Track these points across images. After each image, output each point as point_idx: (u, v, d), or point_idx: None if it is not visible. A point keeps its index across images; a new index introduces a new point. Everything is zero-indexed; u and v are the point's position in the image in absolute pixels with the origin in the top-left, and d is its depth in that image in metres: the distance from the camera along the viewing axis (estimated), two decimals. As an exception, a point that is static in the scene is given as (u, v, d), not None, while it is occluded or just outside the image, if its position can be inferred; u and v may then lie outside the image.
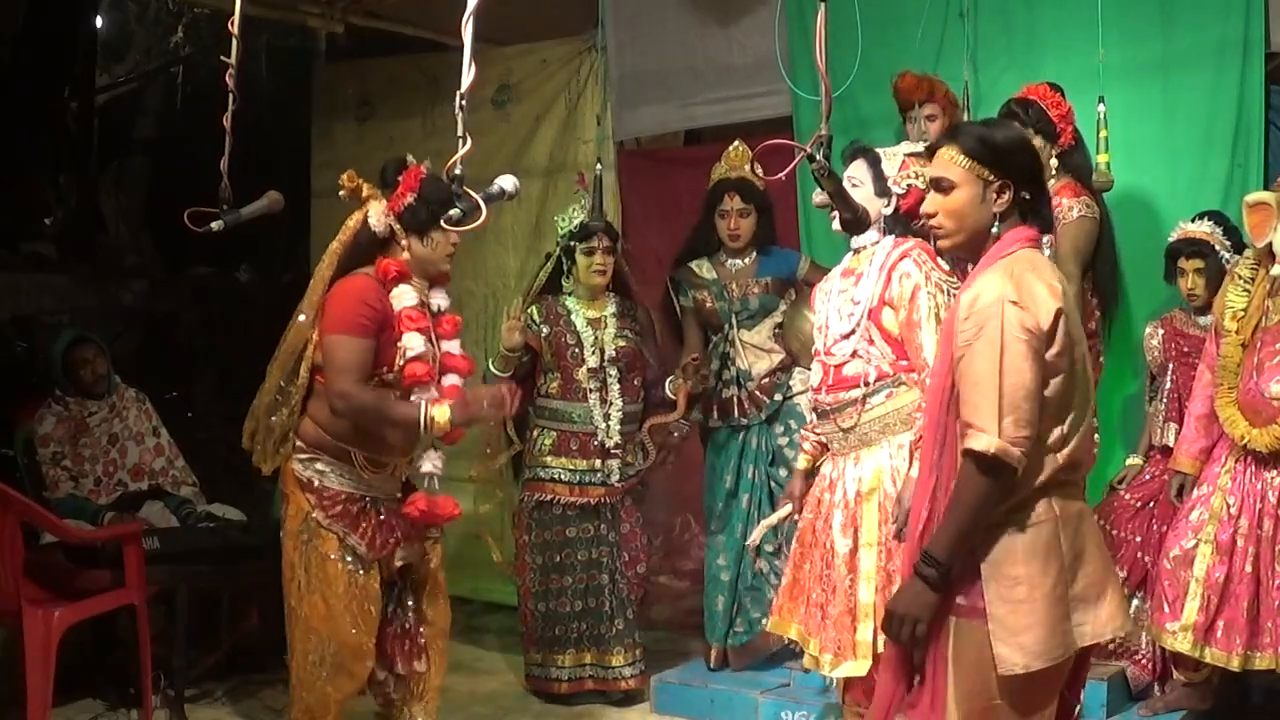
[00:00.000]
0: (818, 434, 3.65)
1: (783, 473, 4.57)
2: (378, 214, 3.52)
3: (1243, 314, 3.93)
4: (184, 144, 7.27)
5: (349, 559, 3.52)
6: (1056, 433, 2.52)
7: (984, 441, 2.44)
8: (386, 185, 3.57)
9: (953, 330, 2.57)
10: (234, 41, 3.31)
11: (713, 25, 5.63)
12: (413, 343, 3.49)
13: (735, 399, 4.67)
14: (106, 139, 8.46)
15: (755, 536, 3.97)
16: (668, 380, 4.68)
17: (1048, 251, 4.30)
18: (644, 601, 5.39)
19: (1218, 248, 4.21)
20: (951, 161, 2.64)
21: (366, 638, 3.57)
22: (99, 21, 8.11)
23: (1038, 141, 4.22)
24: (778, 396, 4.63)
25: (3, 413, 5.65)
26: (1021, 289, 2.49)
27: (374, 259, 3.54)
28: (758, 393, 4.64)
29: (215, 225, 3.30)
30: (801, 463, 3.74)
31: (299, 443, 3.53)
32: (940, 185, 2.66)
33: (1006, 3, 4.86)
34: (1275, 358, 3.84)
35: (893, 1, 4.94)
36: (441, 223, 3.42)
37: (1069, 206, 4.17)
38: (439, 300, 3.67)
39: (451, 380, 3.63)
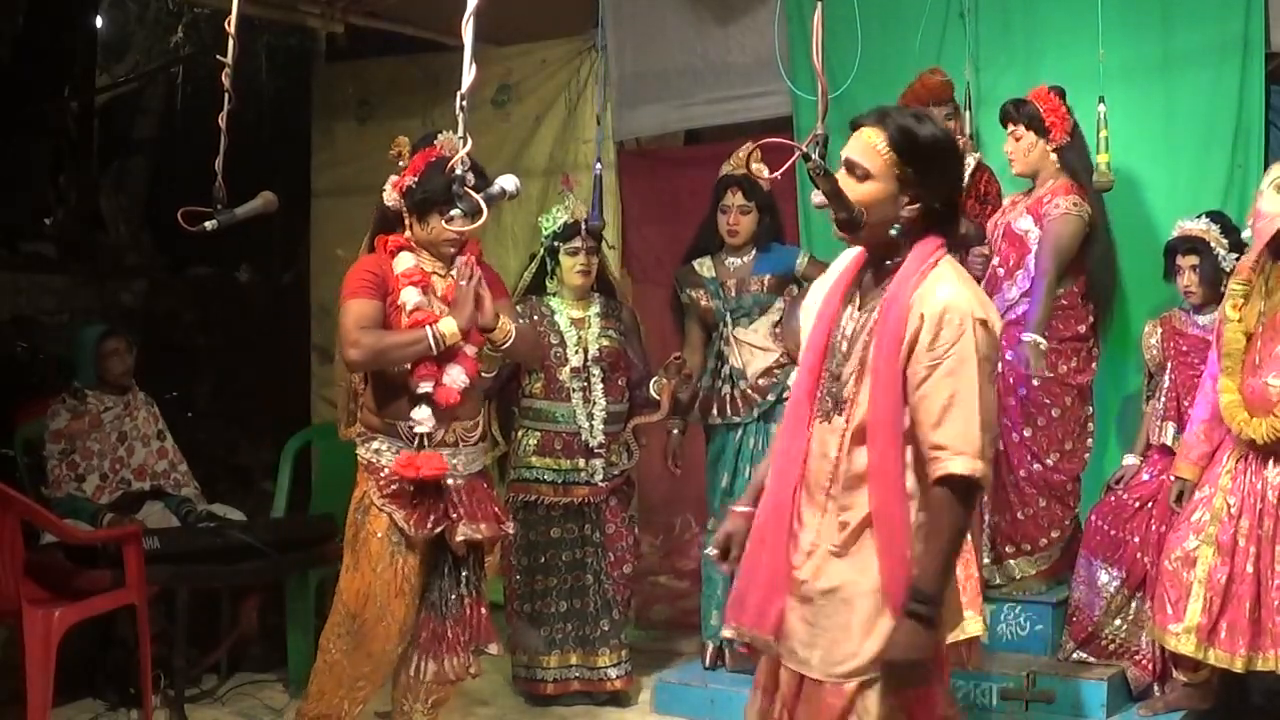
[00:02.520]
0: None
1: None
2: (389, 188, 3.64)
3: (1243, 302, 3.92)
4: (184, 144, 7.28)
5: (395, 540, 3.57)
6: None
7: (968, 465, 2.36)
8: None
9: (898, 347, 2.41)
10: (230, 41, 3.31)
11: (712, 25, 5.63)
12: (408, 297, 3.56)
13: (729, 397, 4.69)
14: (106, 139, 8.45)
15: None
16: (652, 380, 4.69)
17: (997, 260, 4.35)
18: (644, 602, 5.40)
19: (1214, 245, 4.22)
20: (873, 149, 2.46)
21: (394, 621, 3.60)
22: (99, 21, 8.11)
23: (1031, 137, 4.26)
24: (771, 396, 4.63)
25: (3, 413, 5.65)
26: (984, 303, 2.46)
27: (392, 230, 3.68)
28: (750, 391, 4.65)
29: (209, 225, 3.30)
30: None
31: (360, 428, 3.67)
32: (854, 169, 2.47)
33: (1007, 2, 4.86)
34: (1274, 348, 3.83)
35: (893, 1, 4.94)
36: (443, 223, 3.44)
37: (1056, 203, 4.20)
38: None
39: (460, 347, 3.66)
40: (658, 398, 4.66)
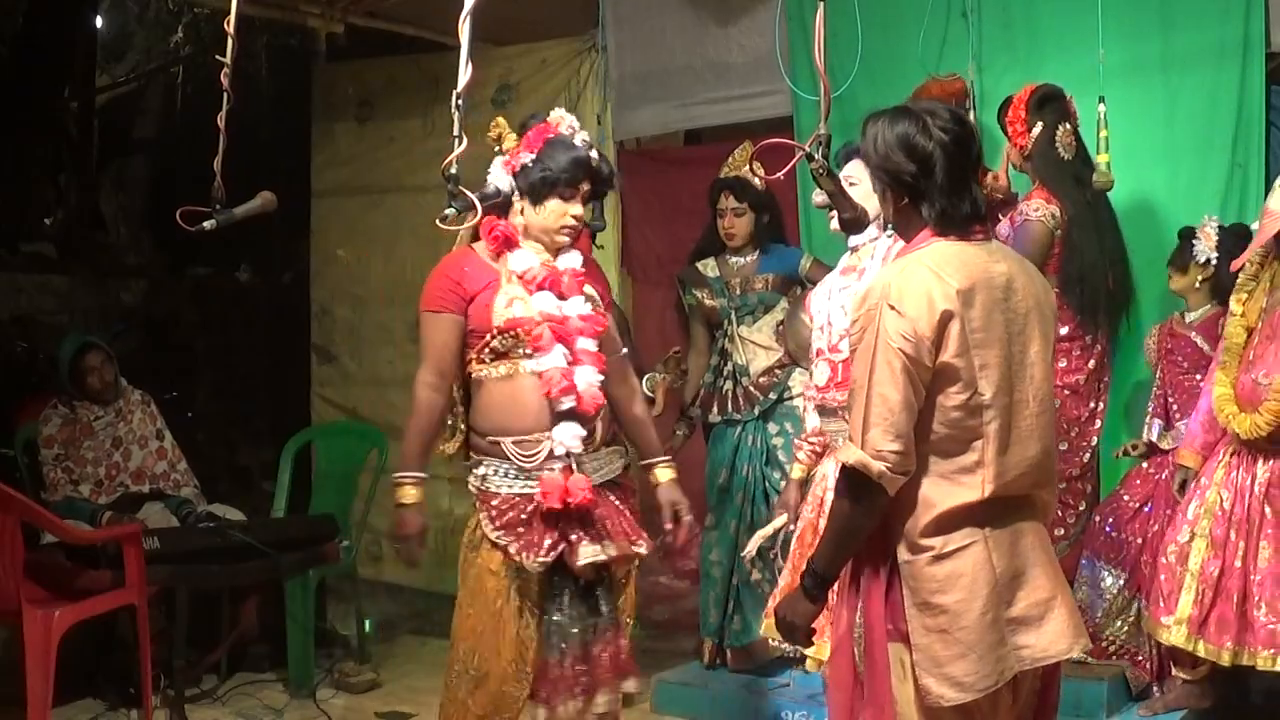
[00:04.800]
0: (813, 442, 3.59)
1: (776, 474, 4.58)
2: (499, 169, 3.30)
3: (1247, 296, 3.94)
4: (184, 144, 7.28)
5: (511, 573, 3.19)
6: (973, 456, 2.37)
7: (850, 454, 2.34)
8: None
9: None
10: (229, 41, 3.31)
11: (713, 25, 5.63)
12: (543, 304, 3.23)
13: (731, 394, 4.70)
14: (106, 139, 8.46)
15: (750, 548, 3.88)
16: (644, 378, 4.69)
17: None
18: (644, 601, 5.37)
19: (1200, 238, 4.23)
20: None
21: (516, 659, 3.19)
22: (99, 21, 8.11)
23: (1009, 145, 4.28)
24: (773, 395, 4.65)
25: (3, 413, 5.65)
26: (904, 290, 2.34)
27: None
28: (753, 389, 4.66)
29: (208, 224, 3.28)
30: (796, 472, 3.67)
31: (463, 451, 3.33)
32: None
33: (1008, 2, 4.86)
34: (1269, 346, 3.85)
35: (894, 1, 4.94)
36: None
37: (1021, 209, 4.22)
38: (569, 261, 3.33)
39: (583, 345, 3.28)
40: (651, 395, 4.67)
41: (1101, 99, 4.19)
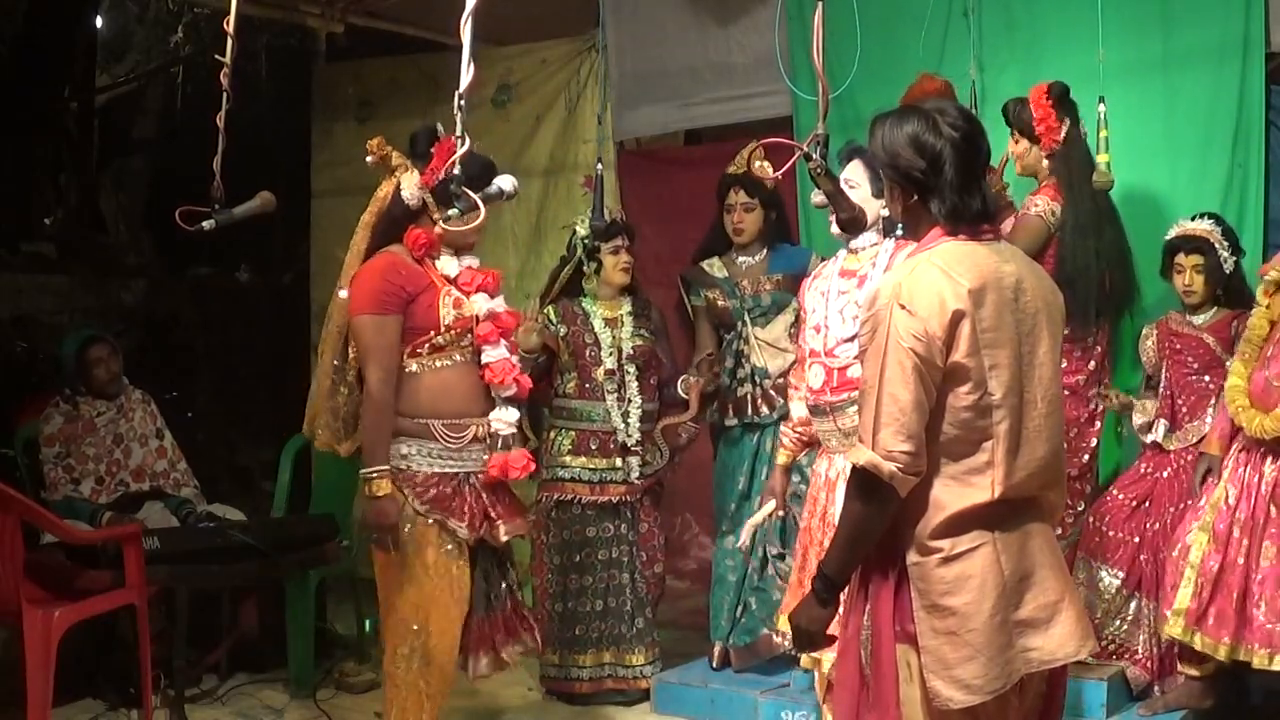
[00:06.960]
0: (798, 431, 3.66)
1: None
2: (411, 186, 3.50)
3: (1274, 289, 3.96)
4: (184, 144, 7.28)
5: (448, 547, 3.50)
6: (983, 457, 2.35)
7: (861, 455, 2.32)
8: (416, 155, 3.54)
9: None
10: (229, 41, 3.31)
11: (713, 25, 5.63)
12: (481, 304, 3.55)
13: (750, 396, 4.64)
14: (106, 139, 8.46)
15: (744, 538, 3.90)
16: (679, 380, 4.70)
17: None
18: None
19: (1217, 246, 4.23)
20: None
21: (455, 628, 3.53)
22: (99, 21, 8.11)
23: (1025, 144, 4.25)
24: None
25: (3, 413, 5.64)
26: (915, 289, 2.32)
27: (405, 229, 3.55)
28: (772, 391, 4.60)
29: (206, 224, 3.29)
30: (781, 458, 3.75)
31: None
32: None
33: (1009, 2, 4.86)
34: None
35: (894, 1, 4.94)
36: (440, 223, 3.41)
37: (1029, 205, 4.20)
38: (469, 262, 3.65)
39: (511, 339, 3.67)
40: (686, 396, 4.67)
41: (1102, 99, 4.19)
